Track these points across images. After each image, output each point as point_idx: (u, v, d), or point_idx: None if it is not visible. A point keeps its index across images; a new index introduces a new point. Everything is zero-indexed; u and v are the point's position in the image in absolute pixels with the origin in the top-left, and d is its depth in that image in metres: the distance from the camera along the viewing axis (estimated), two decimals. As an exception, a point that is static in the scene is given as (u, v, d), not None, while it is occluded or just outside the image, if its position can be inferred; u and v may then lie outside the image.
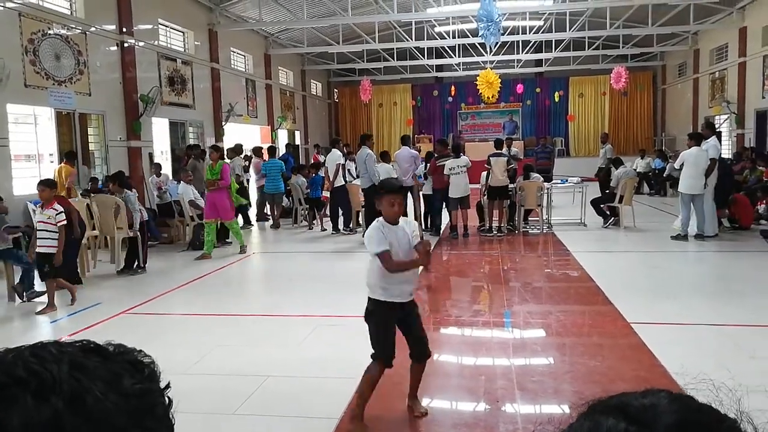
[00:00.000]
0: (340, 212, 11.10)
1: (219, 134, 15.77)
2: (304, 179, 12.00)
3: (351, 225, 10.94)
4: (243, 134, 16.92)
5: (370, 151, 9.88)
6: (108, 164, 11.40)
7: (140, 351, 0.61)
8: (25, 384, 0.50)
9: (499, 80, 18.43)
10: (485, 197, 10.25)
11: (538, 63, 23.31)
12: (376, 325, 3.39)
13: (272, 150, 12.66)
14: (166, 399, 0.59)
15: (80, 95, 10.60)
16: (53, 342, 0.56)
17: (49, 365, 0.52)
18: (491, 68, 19.85)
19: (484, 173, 10.19)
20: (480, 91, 19.00)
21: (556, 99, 23.60)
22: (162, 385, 0.60)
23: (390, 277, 3.28)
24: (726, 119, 17.45)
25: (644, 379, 3.86)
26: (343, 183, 10.88)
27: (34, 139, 9.84)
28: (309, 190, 11.91)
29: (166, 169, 12.86)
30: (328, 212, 11.58)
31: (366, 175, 9.69)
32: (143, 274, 7.86)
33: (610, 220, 10.69)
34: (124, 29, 11.81)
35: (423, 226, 9.97)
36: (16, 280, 6.54)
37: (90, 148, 11.39)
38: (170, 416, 0.59)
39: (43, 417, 0.48)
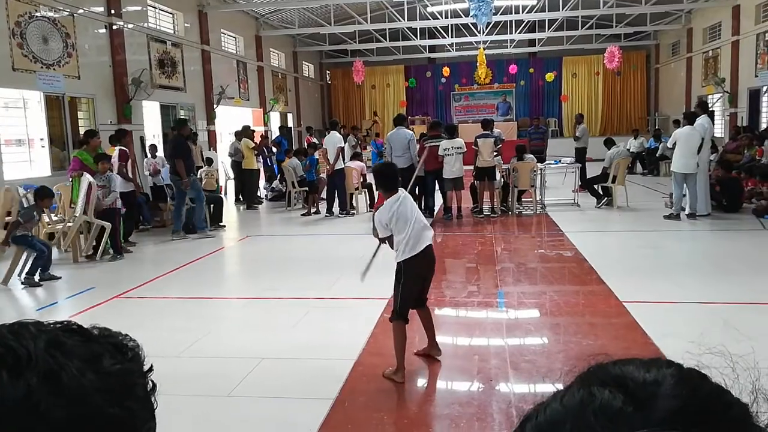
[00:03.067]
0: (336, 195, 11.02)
1: (210, 117, 15.65)
2: (298, 162, 11.92)
3: (346, 208, 10.92)
4: (235, 117, 16.81)
5: (408, 131, 10.05)
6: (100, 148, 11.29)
7: (126, 335, 0.60)
8: (0, 360, 0.49)
9: (485, 60, 18.51)
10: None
11: (532, 43, 23.14)
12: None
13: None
14: (150, 382, 0.58)
15: (69, 78, 10.48)
16: (34, 321, 0.56)
17: (26, 342, 0.51)
18: (484, 48, 19.74)
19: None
20: (478, 71, 18.92)
21: (549, 79, 23.50)
22: (145, 368, 0.59)
23: None
24: (719, 98, 17.44)
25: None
26: (342, 166, 10.79)
27: (24, 124, 9.75)
28: (304, 173, 11.77)
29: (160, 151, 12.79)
30: (323, 195, 11.52)
31: (406, 155, 9.71)
32: (121, 259, 7.70)
33: (603, 200, 10.71)
34: (113, 11, 11.63)
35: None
36: (27, 265, 6.57)
37: (80, 132, 11.28)
38: (152, 400, 0.58)
39: (17, 393, 0.48)
